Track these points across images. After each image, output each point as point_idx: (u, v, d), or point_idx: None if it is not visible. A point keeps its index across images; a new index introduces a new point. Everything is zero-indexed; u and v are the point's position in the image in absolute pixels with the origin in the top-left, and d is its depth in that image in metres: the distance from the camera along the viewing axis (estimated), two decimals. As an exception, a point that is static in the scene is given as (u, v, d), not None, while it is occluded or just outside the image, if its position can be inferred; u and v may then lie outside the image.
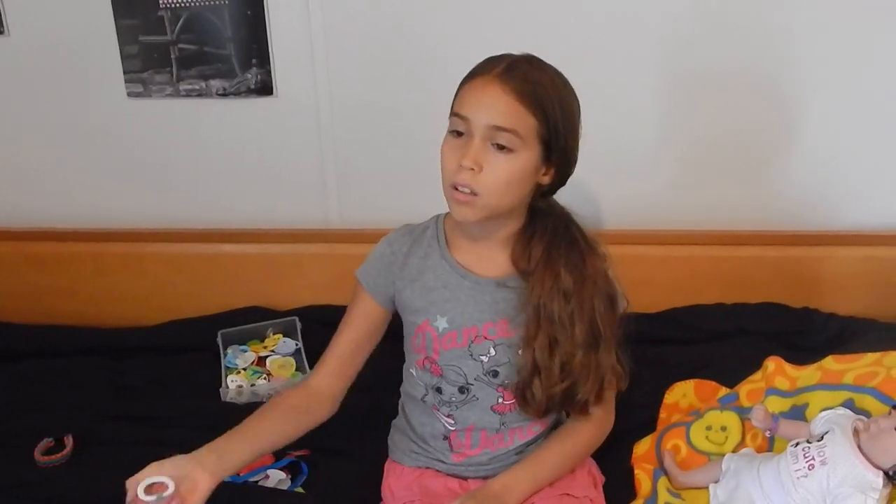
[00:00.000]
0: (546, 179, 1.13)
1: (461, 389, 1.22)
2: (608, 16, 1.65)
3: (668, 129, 1.74)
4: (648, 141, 1.76)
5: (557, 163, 1.11)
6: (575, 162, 1.14)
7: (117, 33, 1.75)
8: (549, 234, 1.16)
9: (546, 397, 1.16)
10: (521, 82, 1.05)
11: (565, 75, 1.11)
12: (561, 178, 1.15)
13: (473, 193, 1.07)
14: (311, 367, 1.69)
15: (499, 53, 1.11)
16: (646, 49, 1.67)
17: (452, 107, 1.10)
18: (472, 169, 1.05)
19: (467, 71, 1.12)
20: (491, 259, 1.19)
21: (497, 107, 1.05)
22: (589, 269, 1.15)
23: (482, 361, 1.20)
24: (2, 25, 1.77)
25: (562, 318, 1.13)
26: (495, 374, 1.21)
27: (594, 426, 1.27)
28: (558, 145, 1.09)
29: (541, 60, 1.11)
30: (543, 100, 1.06)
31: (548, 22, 1.65)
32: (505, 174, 1.07)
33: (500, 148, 1.06)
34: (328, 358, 1.27)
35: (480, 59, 1.12)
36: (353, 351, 1.26)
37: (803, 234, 1.77)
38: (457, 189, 1.07)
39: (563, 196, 1.21)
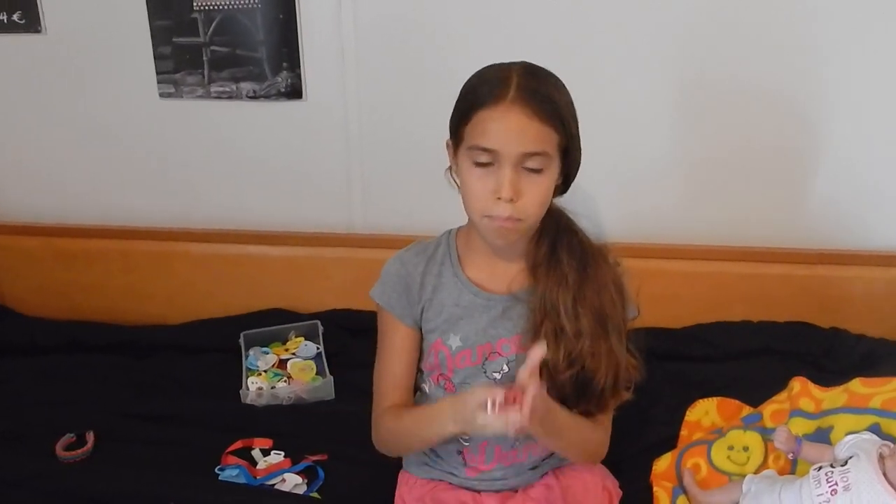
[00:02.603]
0: (560, 179, 1.13)
1: None
2: (623, 26, 1.64)
3: (687, 142, 1.72)
4: (669, 153, 1.74)
5: (571, 162, 1.11)
6: (581, 152, 1.13)
7: (151, 34, 1.77)
8: (552, 231, 1.17)
9: (554, 387, 1.11)
10: (539, 102, 1.03)
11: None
12: (574, 171, 1.14)
13: (516, 219, 1.07)
14: (331, 371, 1.70)
15: (490, 69, 1.09)
16: (665, 58, 1.65)
17: (465, 138, 1.07)
18: (512, 200, 1.05)
19: None
20: (505, 273, 1.19)
21: (526, 134, 1.03)
22: (591, 260, 1.15)
23: (496, 378, 1.19)
24: (39, 24, 1.81)
25: (566, 309, 1.12)
26: None
27: (601, 435, 1.24)
28: (572, 149, 1.10)
29: (537, 67, 1.09)
30: (561, 112, 1.05)
31: (564, 31, 1.64)
32: (542, 194, 1.07)
33: (531, 170, 1.05)
34: (387, 392, 1.22)
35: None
36: (407, 376, 1.23)
37: (833, 253, 1.74)
38: (493, 217, 1.07)
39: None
